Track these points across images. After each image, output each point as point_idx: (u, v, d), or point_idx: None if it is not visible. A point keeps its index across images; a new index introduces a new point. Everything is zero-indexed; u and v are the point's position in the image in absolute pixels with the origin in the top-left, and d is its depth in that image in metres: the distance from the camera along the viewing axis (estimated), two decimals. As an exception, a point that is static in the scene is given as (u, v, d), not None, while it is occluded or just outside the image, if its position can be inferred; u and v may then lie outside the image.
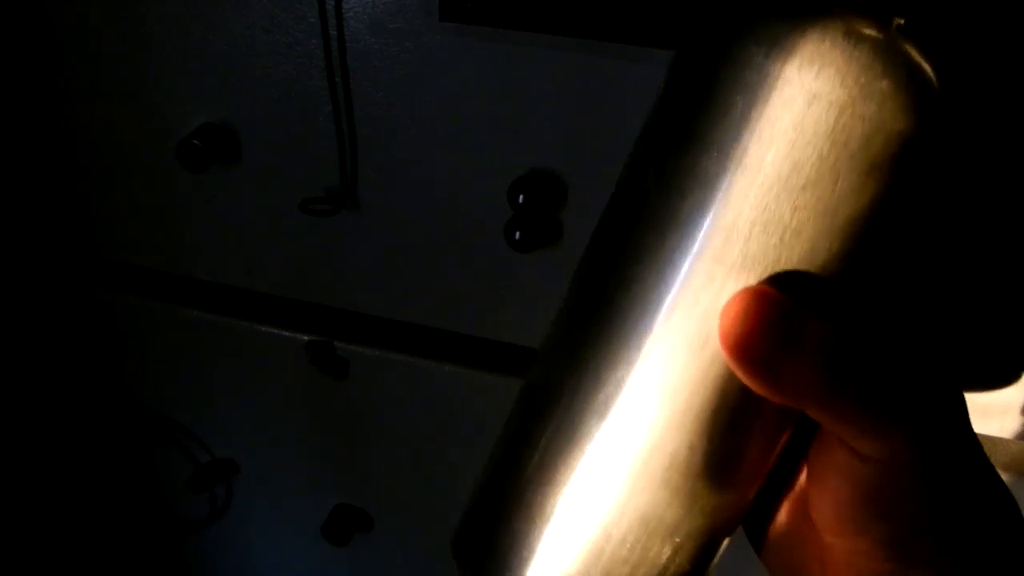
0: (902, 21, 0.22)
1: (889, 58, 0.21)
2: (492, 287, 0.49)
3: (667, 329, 0.22)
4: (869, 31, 0.21)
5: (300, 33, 0.44)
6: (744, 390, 0.22)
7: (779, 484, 0.25)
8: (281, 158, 0.48)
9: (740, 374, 0.21)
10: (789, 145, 0.21)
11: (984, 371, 0.41)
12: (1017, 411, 0.42)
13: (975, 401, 0.43)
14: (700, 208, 0.21)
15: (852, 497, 0.22)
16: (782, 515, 0.25)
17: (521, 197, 0.43)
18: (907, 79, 0.21)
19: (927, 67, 0.21)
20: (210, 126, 0.48)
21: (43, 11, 0.48)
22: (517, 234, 0.44)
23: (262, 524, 0.68)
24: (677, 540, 0.23)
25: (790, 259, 0.21)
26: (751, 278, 0.21)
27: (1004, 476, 0.45)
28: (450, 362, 0.53)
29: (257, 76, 0.46)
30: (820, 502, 0.23)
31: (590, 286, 0.24)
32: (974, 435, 0.22)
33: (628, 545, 0.23)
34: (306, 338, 0.55)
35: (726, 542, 0.25)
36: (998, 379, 0.41)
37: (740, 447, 0.23)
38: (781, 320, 0.20)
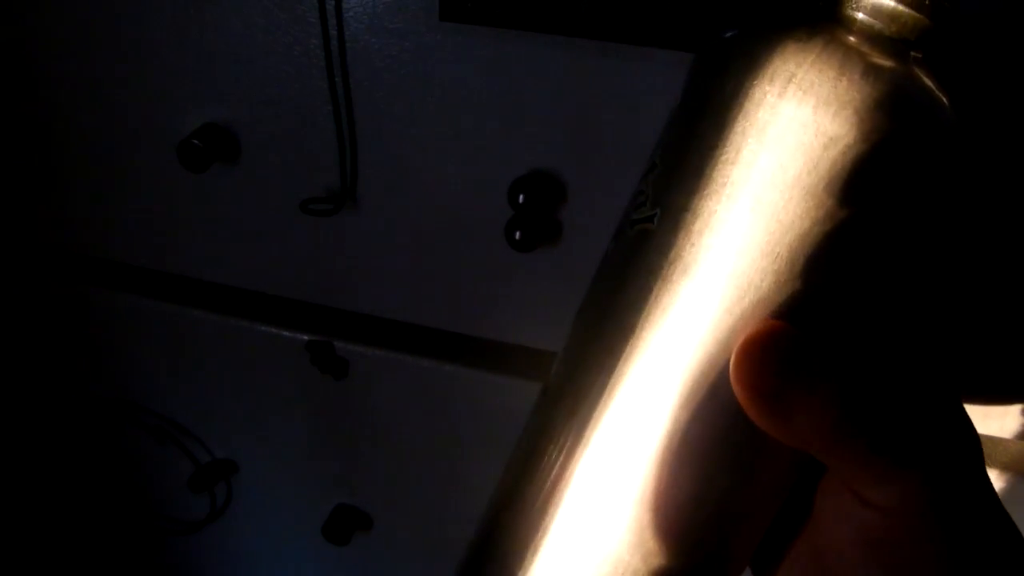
0: (920, 54, 0.21)
1: (908, 96, 0.20)
2: (492, 287, 0.49)
3: (673, 378, 0.21)
4: (887, 69, 0.20)
5: (300, 33, 0.44)
6: (752, 439, 0.21)
7: (786, 529, 0.25)
8: (281, 158, 0.48)
9: (750, 411, 0.20)
10: (803, 191, 0.20)
11: (988, 380, 0.41)
12: (1017, 411, 0.42)
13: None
14: (709, 254, 0.20)
15: (857, 543, 0.21)
16: (789, 561, 0.25)
17: (521, 197, 0.43)
18: (926, 117, 0.20)
19: (946, 101, 0.20)
20: (210, 126, 0.48)
21: (42, 11, 0.48)
22: (517, 234, 0.44)
23: (262, 524, 0.68)
24: None
25: (803, 306, 0.20)
26: None
27: (1004, 476, 0.45)
28: (450, 362, 0.53)
29: (257, 76, 0.46)
30: (825, 548, 0.22)
31: (593, 330, 0.23)
32: (987, 479, 0.21)
33: None
34: (306, 338, 0.55)
35: None
36: (1002, 388, 0.41)
37: (746, 496, 0.22)
38: (797, 359, 0.20)
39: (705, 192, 0.21)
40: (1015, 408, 0.42)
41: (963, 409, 0.21)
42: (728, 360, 0.21)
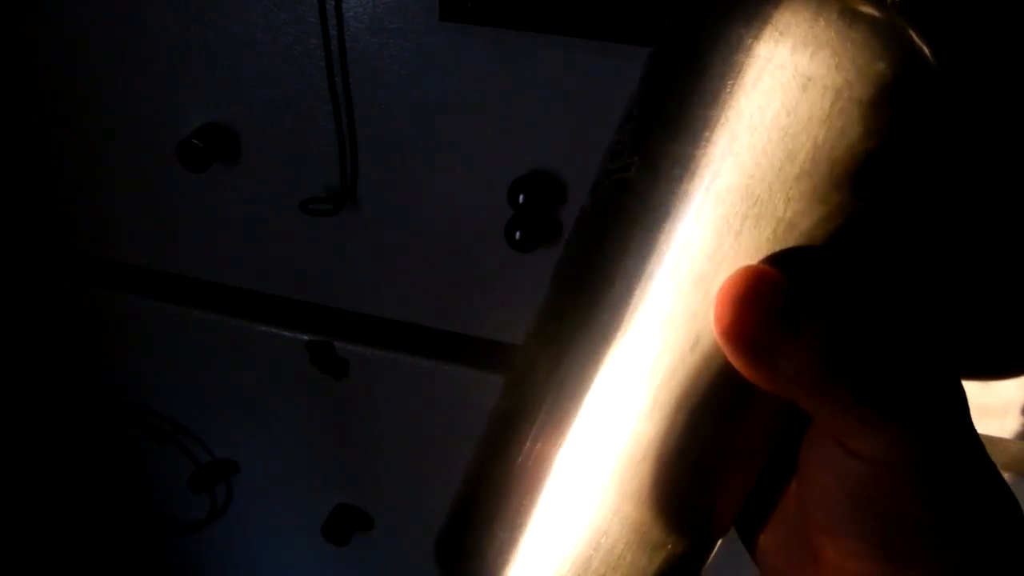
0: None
1: (886, 38, 0.20)
2: (492, 287, 0.49)
3: (654, 328, 0.21)
4: (865, 9, 0.20)
5: (300, 33, 0.44)
6: (735, 391, 0.21)
7: (772, 484, 0.24)
8: (281, 158, 0.48)
9: (734, 359, 0.20)
10: (782, 132, 0.19)
11: (985, 366, 0.41)
12: (1017, 411, 0.42)
13: (975, 401, 0.43)
14: (688, 200, 0.20)
15: (843, 496, 0.21)
16: (775, 516, 0.25)
17: (521, 197, 0.43)
18: (905, 60, 0.20)
19: (925, 47, 0.20)
20: (210, 126, 0.48)
21: (43, 11, 0.48)
22: (517, 234, 0.44)
23: (262, 524, 0.68)
24: (669, 546, 0.22)
25: (786, 251, 0.20)
26: None
27: (1004, 476, 0.45)
28: (450, 362, 0.53)
29: (257, 76, 0.46)
30: (811, 501, 0.22)
31: (572, 282, 0.23)
32: (974, 431, 0.21)
33: (618, 554, 0.22)
34: (306, 338, 0.55)
35: (719, 543, 0.24)
36: (1000, 374, 0.41)
37: (731, 450, 0.22)
38: (782, 302, 0.19)
39: (683, 137, 0.20)
40: (1015, 408, 0.42)
41: (950, 364, 0.21)
42: (710, 307, 0.20)
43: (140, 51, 0.47)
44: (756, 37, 0.20)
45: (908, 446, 0.20)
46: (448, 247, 0.48)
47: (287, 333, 0.55)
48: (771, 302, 0.19)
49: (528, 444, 0.23)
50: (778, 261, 0.20)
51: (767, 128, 0.20)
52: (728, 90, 0.20)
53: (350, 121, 0.45)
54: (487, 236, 0.46)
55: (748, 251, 0.20)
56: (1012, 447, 0.46)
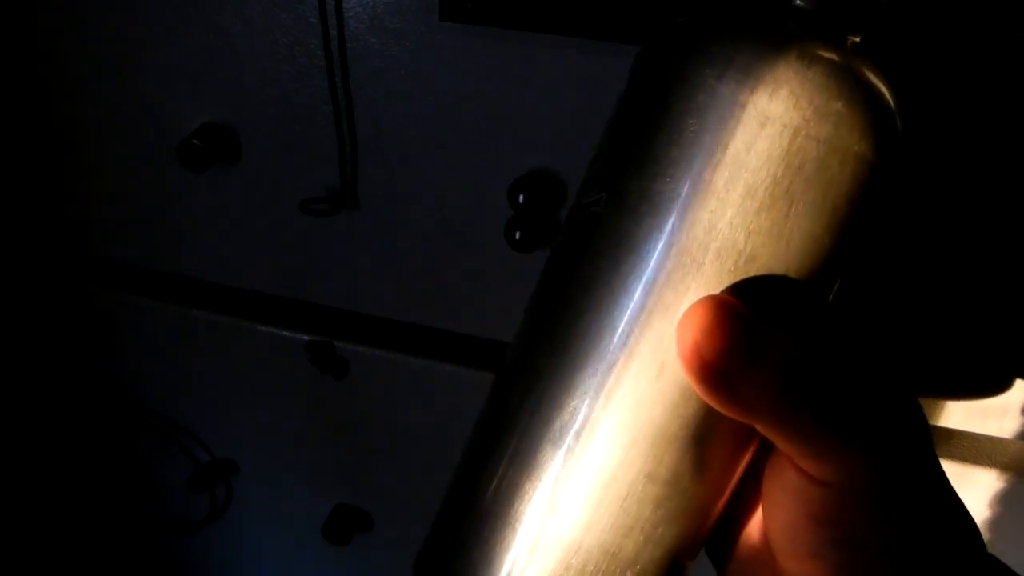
0: (857, 39, 0.22)
1: (844, 79, 0.20)
2: (492, 287, 0.49)
3: (621, 357, 0.22)
4: (823, 52, 0.20)
5: (300, 33, 0.44)
6: (701, 416, 0.22)
7: (742, 508, 0.25)
8: (281, 158, 0.48)
9: (696, 385, 0.21)
10: (742, 168, 0.20)
11: (982, 375, 0.41)
12: (1017, 411, 0.42)
13: (975, 402, 0.43)
14: (654, 233, 0.21)
15: (805, 521, 0.21)
16: (743, 540, 0.25)
17: (521, 197, 0.43)
18: (862, 99, 0.20)
19: (883, 86, 0.21)
20: (210, 126, 0.48)
21: (43, 11, 0.48)
22: (517, 234, 0.44)
23: (262, 524, 0.68)
24: (639, 567, 0.23)
25: (747, 281, 0.21)
26: None
27: (1004, 476, 0.45)
28: (450, 362, 0.53)
29: (257, 76, 0.46)
30: (774, 526, 0.23)
31: (544, 313, 0.24)
32: (934, 457, 0.22)
33: (588, 575, 0.23)
34: (306, 338, 0.55)
35: (689, 565, 0.25)
36: (995, 384, 0.41)
37: (698, 474, 0.23)
38: (742, 330, 0.20)
39: (649, 173, 0.21)
40: (1015, 408, 0.42)
41: (912, 394, 0.22)
42: (675, 336, 0.21)
43: (140, 51, 0.47)
44: (719, 77, 0.20)
45: (866, 471, 0.20)
46: (448, 247, 0.48)
47: (287, 333, 0.55)
48: (731, 330, 0.20)
49: (501, 469, 0.23)
50: (739, 291, 0.21)
51: (728, 164, 0.20)
52: (691, 128, 0.21)
53: (350, 121, 0.45)
54: (487, 236, 0.46)
55: (711, 282, 0.21)
56: (1012, 447, 0.46)
